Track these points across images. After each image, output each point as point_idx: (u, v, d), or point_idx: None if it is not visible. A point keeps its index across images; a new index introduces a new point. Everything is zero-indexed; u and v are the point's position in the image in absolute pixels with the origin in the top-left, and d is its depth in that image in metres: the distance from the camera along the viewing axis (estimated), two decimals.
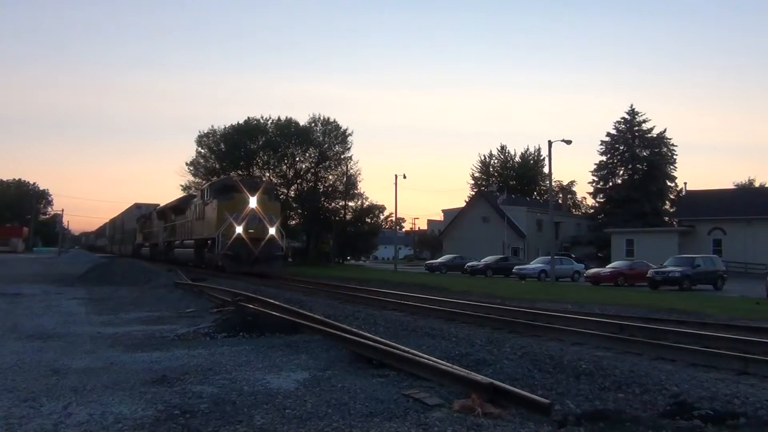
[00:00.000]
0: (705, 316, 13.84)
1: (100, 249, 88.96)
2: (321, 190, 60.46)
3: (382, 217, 65.92)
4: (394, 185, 51.81)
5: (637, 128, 63.64)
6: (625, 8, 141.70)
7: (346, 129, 61.85)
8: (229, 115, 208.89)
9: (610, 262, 38.13)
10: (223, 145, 60.10)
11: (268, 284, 19.71)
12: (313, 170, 60.94)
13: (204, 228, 29.06)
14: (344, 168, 61.23)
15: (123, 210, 67.96)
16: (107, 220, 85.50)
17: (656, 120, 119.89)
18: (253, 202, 26.47)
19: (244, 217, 26.02)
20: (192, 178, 61.44)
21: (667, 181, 63.83)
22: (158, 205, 48.60)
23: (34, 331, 9.52)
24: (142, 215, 52.21)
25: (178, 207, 37.07)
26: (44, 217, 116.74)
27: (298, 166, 60.92)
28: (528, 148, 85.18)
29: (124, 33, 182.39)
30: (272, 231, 26.64)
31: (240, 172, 54.05)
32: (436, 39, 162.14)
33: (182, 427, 4.55)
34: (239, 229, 25.70)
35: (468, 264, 43.62)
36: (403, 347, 7.00)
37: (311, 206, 58.31)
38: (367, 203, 62.91)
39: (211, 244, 27.15)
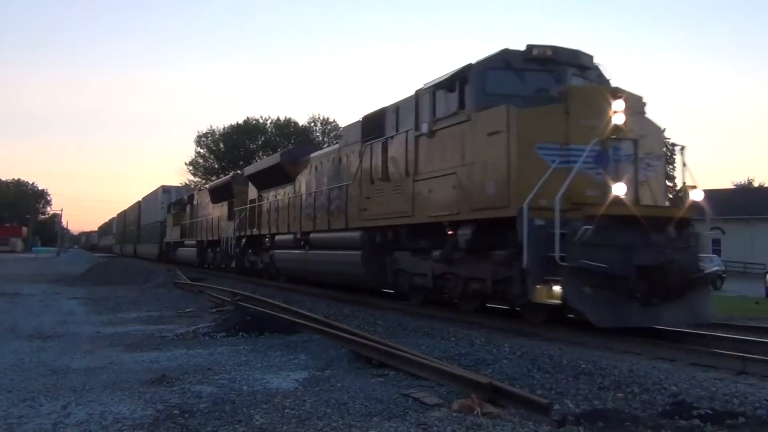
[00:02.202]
0: None
1: (104, 249, 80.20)
2: None
3: None
4: None
5: None
6: (625, 8, 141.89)
7: None
8: (228, 115, 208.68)
9: None
10: (222, 145, 60.23)
11: (268, 284, 19.59)
12: None
13: (434, 197, 10.77)
14: None
15: (131, 204, 53.73)
16: (113, 217, 73.65)
17: (656, 120, 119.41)
18: (619, 114, 8.62)
19: (601, 156, 8.74)
20: (192, 178, 61.54)
21: (667, 181, 63.81)
22: (189, 185, 37.23)
23: (33, 331, 9.52)
24: (175, 201, 35.76)
25: (272, 171, 19.48)
26: (43, 216, 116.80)
27: None
28: None
29: (124, 32, 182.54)
30: (697, 197, 9.34)
31: None
32: (435, 37, 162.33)
33: (181, 426, 4.55)
34: (618, 189, 8.30)
35: None
36: (402, 347, 7.01)
37: None
38: None
39: (472, 237, 9.84)
